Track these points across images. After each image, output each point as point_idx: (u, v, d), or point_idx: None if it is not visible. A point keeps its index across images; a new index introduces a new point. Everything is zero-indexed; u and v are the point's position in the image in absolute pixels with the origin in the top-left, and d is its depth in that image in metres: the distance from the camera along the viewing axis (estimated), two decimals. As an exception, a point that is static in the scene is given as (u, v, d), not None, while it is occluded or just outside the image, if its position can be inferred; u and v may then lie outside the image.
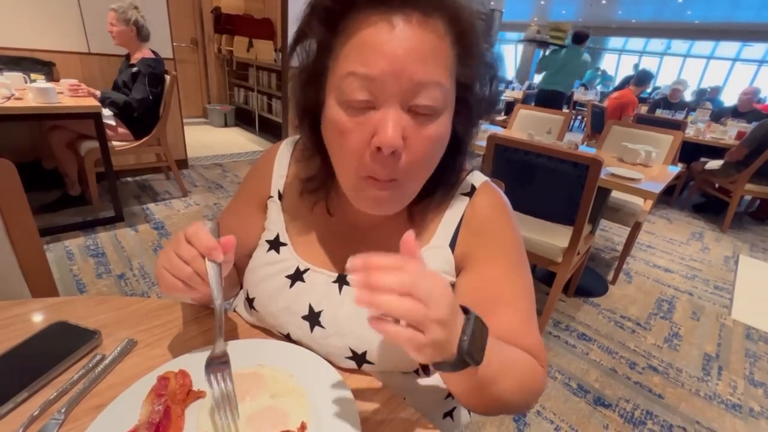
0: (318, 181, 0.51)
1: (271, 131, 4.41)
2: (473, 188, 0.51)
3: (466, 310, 0.36)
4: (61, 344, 0.46)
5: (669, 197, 3.72)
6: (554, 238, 1.53)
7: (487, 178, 0.53)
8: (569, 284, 1.93)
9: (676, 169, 2.02)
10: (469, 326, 0.34)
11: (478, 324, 0.35)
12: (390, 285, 0.30)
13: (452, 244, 0.50)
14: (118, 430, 0.36)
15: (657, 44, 12.19)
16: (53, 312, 0.52)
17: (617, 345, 1.65)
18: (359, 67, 0.36)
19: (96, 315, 0.52)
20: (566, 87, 4.02)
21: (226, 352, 0.40)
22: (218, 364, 0.39)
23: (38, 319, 0.51)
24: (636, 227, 1.95)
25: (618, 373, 1.49)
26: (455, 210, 0.51)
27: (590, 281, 2.08)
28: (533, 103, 4.22)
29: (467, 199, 0.51)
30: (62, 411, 0.38)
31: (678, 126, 3.07)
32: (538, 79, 4.95)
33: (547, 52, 4.66)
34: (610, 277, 2.16)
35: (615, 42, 13.03)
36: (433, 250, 0.50)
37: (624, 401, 1.37)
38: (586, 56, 3.86)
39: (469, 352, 0.33)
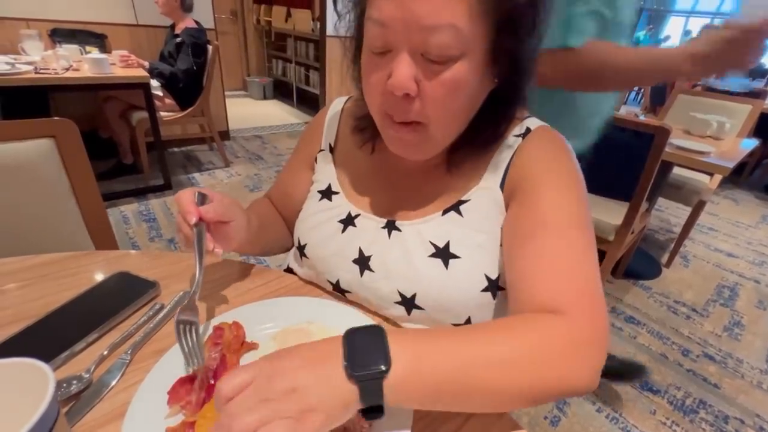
0: (368, 119, 0.50)
1: (309, 104, 4.42)
2: (528, 130, 0.48)
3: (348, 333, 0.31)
4: (125, 292, 0.48)
5: (737, 177, 3.36)
6: (606, 214, 1.43)
7: (545, 124, 0.49)
8: (617, 265, 1.81)
9: (752, 144, 1.79)
10: (348, 343, 0.29)
11: (360, 333, 0.30)
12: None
13: (502, 185, 0.47)
14: (178, 373, 0.37)
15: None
16: (115, 264, 0.55)
17: (669, 331, 1.55)
18: (374, 12, 0.37)
19: (153, 268, 0.54)
20: None
21: (195, 307, 0.41)
22: (185, 319, 0.39)
23: (103, 269, 0.54)
24: (699, 206, 1.78)
25: (669, 360, 1.40)
26: (505, 151, 0.47)
27: (641, 263, 1.95)
28: None
29: (519, 140, 0.47)
30: (128, 353, 0.40)
31: (757, 95, 2.72)
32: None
33: None
34: (664, 260, 2.01)
35: (683, 2, 11.56)
36: (482, 191, 0.47)
37: (674, 388, 1.29)
38: None
39: (362, 375, 0.27)
